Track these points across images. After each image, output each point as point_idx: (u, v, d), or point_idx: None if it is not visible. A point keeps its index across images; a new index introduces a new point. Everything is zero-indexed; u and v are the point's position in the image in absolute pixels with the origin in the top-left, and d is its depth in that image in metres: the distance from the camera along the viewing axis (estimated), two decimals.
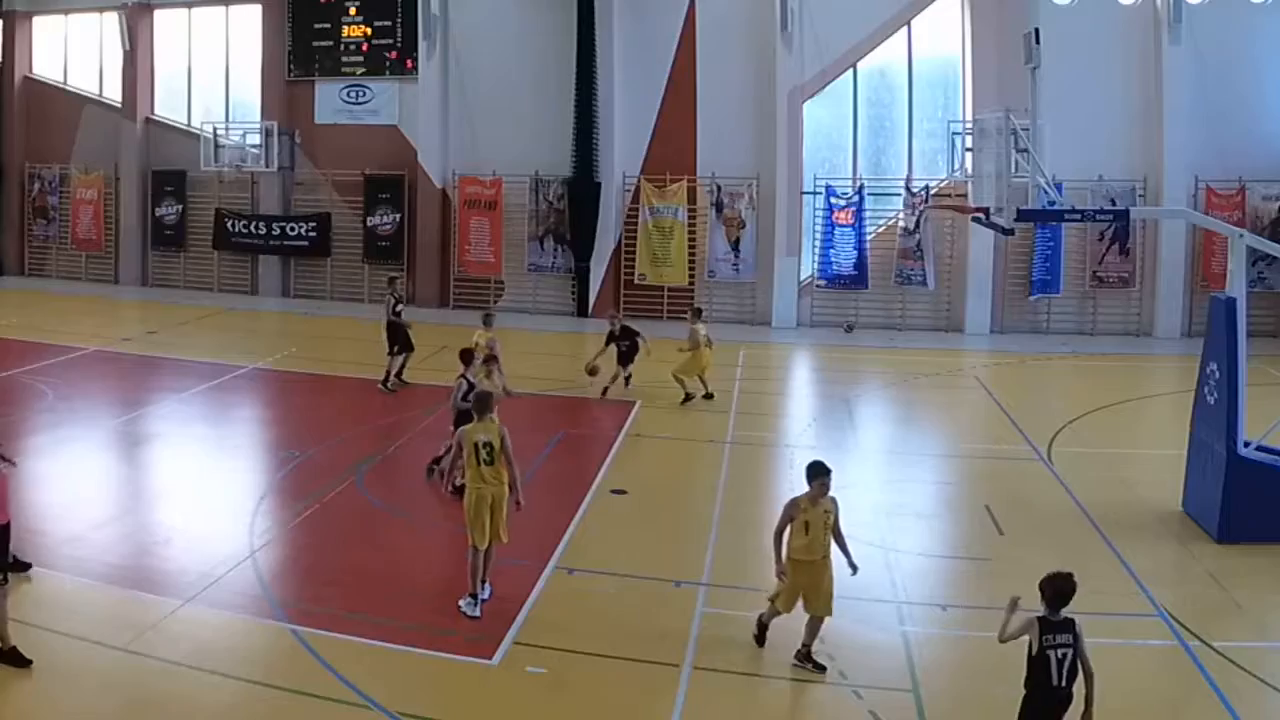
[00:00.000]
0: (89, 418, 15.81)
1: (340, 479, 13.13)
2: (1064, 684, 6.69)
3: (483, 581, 9.59)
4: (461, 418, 11.35)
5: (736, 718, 8.06)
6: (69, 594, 8.04)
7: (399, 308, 18.68)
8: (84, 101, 31.09)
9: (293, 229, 28.82)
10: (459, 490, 10.63)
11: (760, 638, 8.97)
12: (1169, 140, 23.62)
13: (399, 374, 18.27)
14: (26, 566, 9.52)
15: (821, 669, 8.56)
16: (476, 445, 9.44)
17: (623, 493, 12.83)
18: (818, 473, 8.66)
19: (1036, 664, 6.75)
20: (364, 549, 11.07)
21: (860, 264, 25.18)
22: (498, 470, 9.48)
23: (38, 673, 8.04)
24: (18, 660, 7.99)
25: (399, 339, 18.37)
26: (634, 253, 26.17)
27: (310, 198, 29.07)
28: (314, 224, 28.67)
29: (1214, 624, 9.42)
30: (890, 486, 13.83)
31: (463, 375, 12.58)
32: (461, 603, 9.44)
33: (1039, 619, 6.79)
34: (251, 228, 29.06)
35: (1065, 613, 6.77)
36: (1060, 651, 6.69)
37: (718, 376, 18.07)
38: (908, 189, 24.96)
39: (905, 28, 25.17)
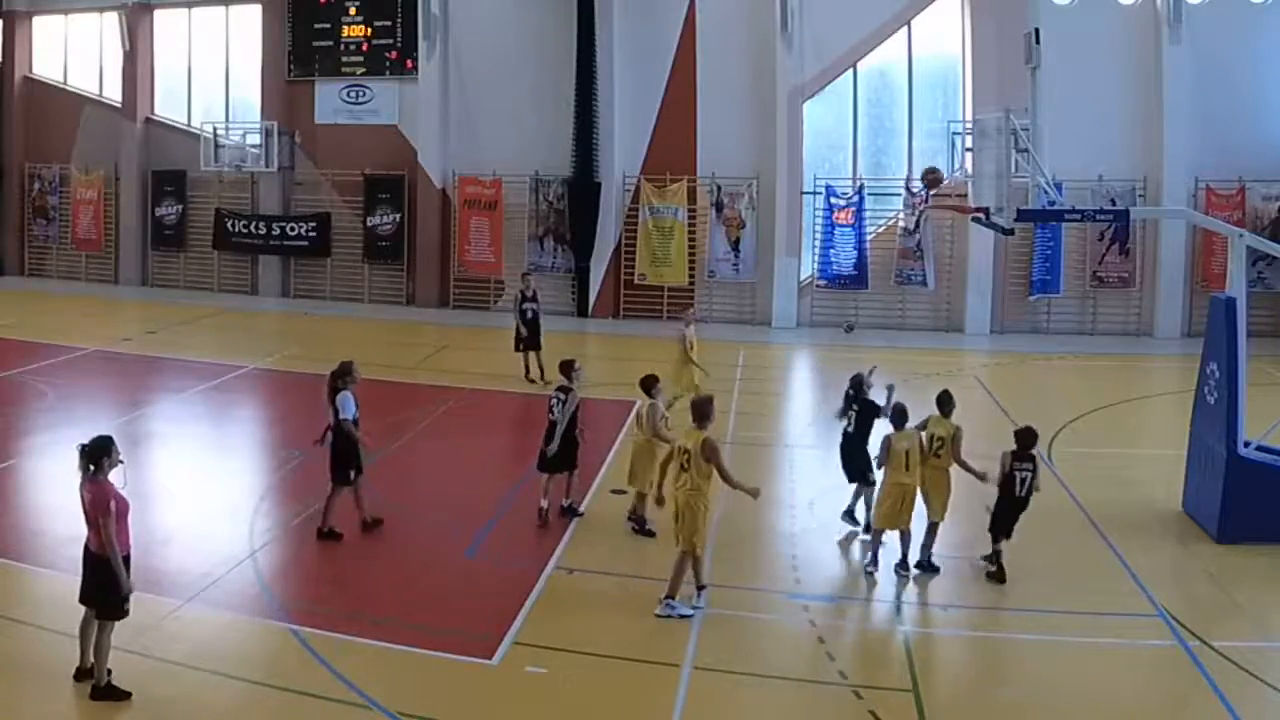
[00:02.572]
0: (89, 418, 15.79)
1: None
2: (1024, 495, 10.30)
3: (699, 588, 9.65)
4: None
5: (736, 718, 8.06)
6: (69, 594, 8.03)
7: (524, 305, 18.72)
8: (84, 101, 31.09)
9: (293, 229, 28.82)
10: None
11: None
12: (1169, 140, 23.62)
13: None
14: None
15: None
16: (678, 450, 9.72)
17: (622, 492, 12.80)
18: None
19: (1008, 480, 10.27)
20: (364, 549, 11.06)
21: (860, 264, 25.18)
22: (691, 477, 9.51)
23: (37, 673, 8.03)
24: (115, 694, 7.74)
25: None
26: (634, 253, 26.17)
27: (310, 198, 29.07)
28: (314, 224, 28.67)
29: (1214, 624, 9.42)
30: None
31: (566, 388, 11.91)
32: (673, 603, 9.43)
33: (1010, 453, 10.33)
34: (251, 228, 29.06)
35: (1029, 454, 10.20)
36: (1022, 474, 10.23)
37: (718, 376, 18.04)
38: (908, 189, 24.97)
39: (905, 28, 25.16)
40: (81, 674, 7.85)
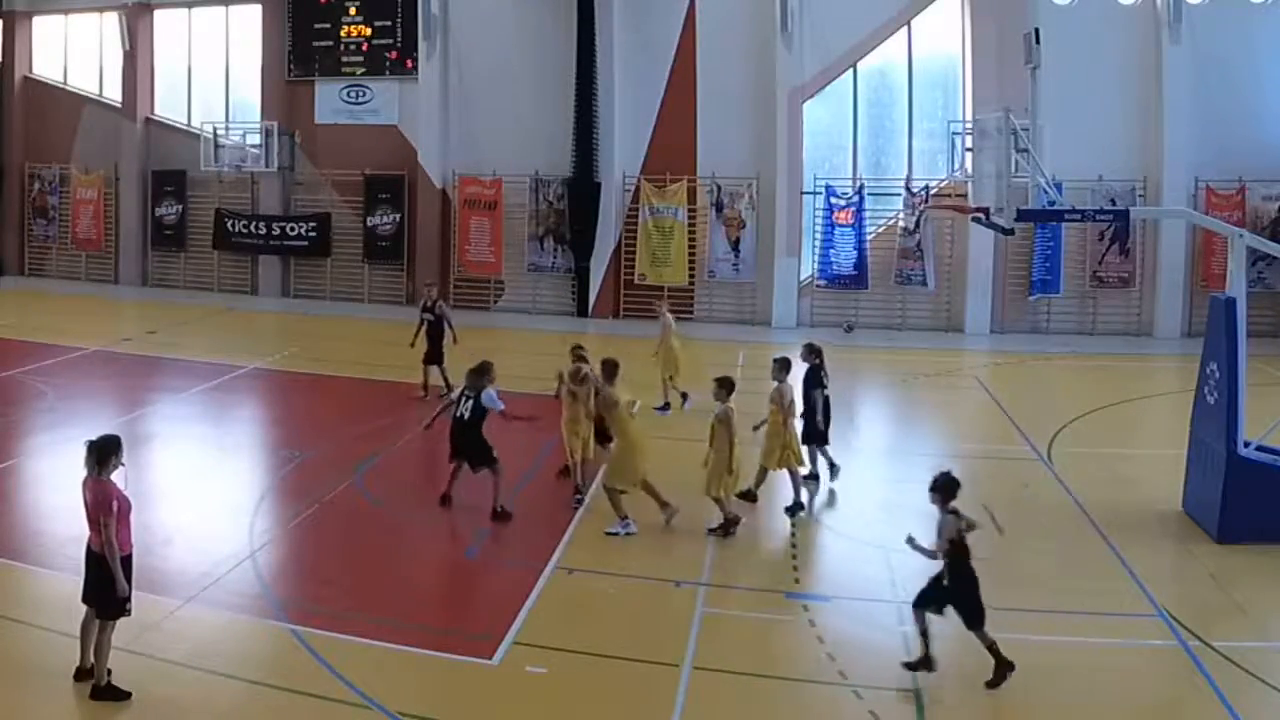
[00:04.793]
0: (89, 418, 15.77)
1: (340, 479, 13.12)
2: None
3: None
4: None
5: (736, 718, 8.06)
6: (69, 594, 8.03)
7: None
8: (84, 101, 31.09)
9: (293, 229, 28.82)
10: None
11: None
12: (1169, 140, 23.62)
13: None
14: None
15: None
16: None
17: (623, 492, 12.80)
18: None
19: (961, 546, 8.39)
20: (364, 549, 11.07)
21: (860, 264, 25.17)
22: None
23: (38, 673, 8.03)
24: (115, 694, 7.74)
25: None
26: (634, 253, 26.17)
27: (310, 198, 29.07)
28: (314, 224, 28.67)
29: (1214, 624, 9.41)
30: (890, 486, 13.83)
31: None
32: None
33: (954, 511, 8.53)
34: (251, 228, 29.06)
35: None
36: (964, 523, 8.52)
37: (718, 376, 18.01)
38: (908, 189, 24.96)
39: (905, 28, 25.17)
40: (81, 674, 7.84)
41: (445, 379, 17.24)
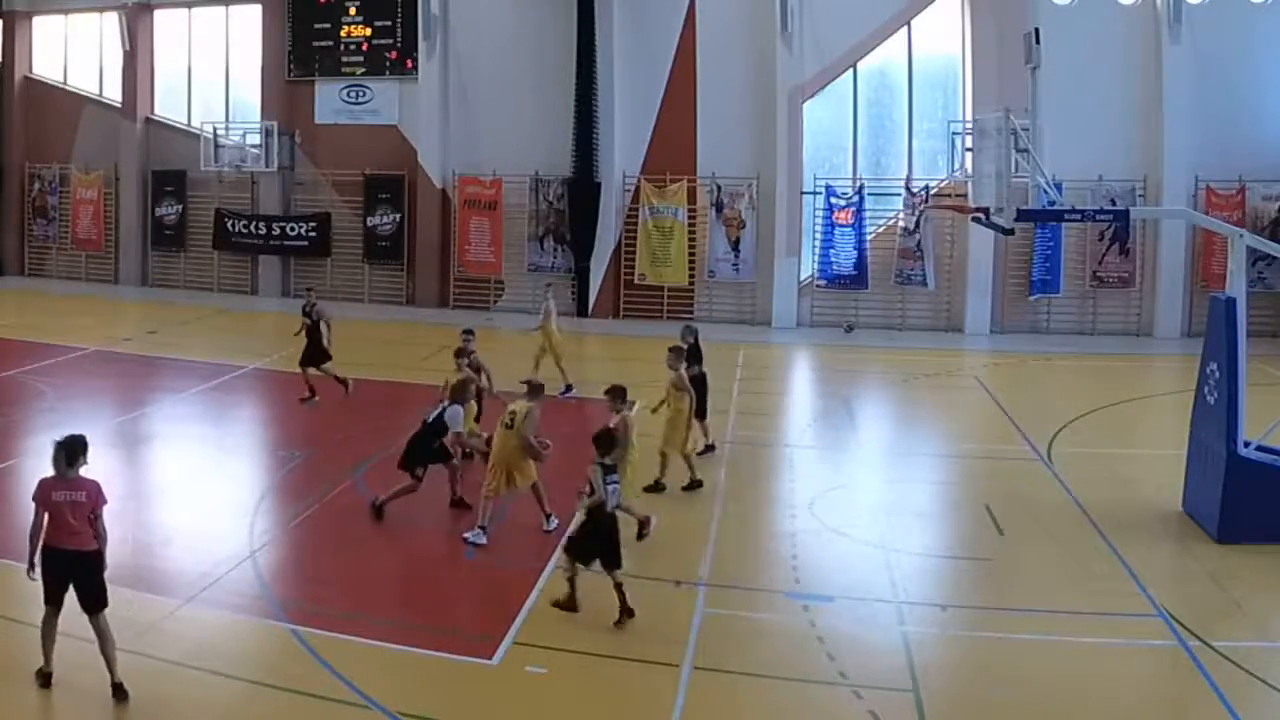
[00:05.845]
0: (89, 418, 15.77)
1: (340, 479, 13.12)
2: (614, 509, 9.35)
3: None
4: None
5: (736, 718, 8.06)
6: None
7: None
8: (84, 101, 31.09)
9: (293, 229, 28.82)
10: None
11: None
12: (1169, 140, 23.61)
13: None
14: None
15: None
16: None
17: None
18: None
19: (598, 499, 9.18)
20: (364, 549, 11.06)
21: (860, 264, 25.17)
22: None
23: (34, 672, 8.03)
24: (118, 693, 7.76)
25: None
26: (634, 253, 26.17)
27: (310, 198, 29.07)
28: (314, 224, 28.67)
29: (1214, 624, 9.41)
30: (890, 486, 13.85)
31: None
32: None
33: (600, 464, 9.28)
34: (251, 228, 29.06)
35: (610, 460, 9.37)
36: (611, 486, 9.26)
37: (718, 376, 18.00)
38: (908, 189, 24.96)
39: (905, 28, 25.17)
40: (45, 677, 7.84)
41: (336, 377, 17.22)
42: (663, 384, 13.42)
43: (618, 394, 11.66)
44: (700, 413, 13.72)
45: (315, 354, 17.19)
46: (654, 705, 8.06)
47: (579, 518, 9.76)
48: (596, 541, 9.19)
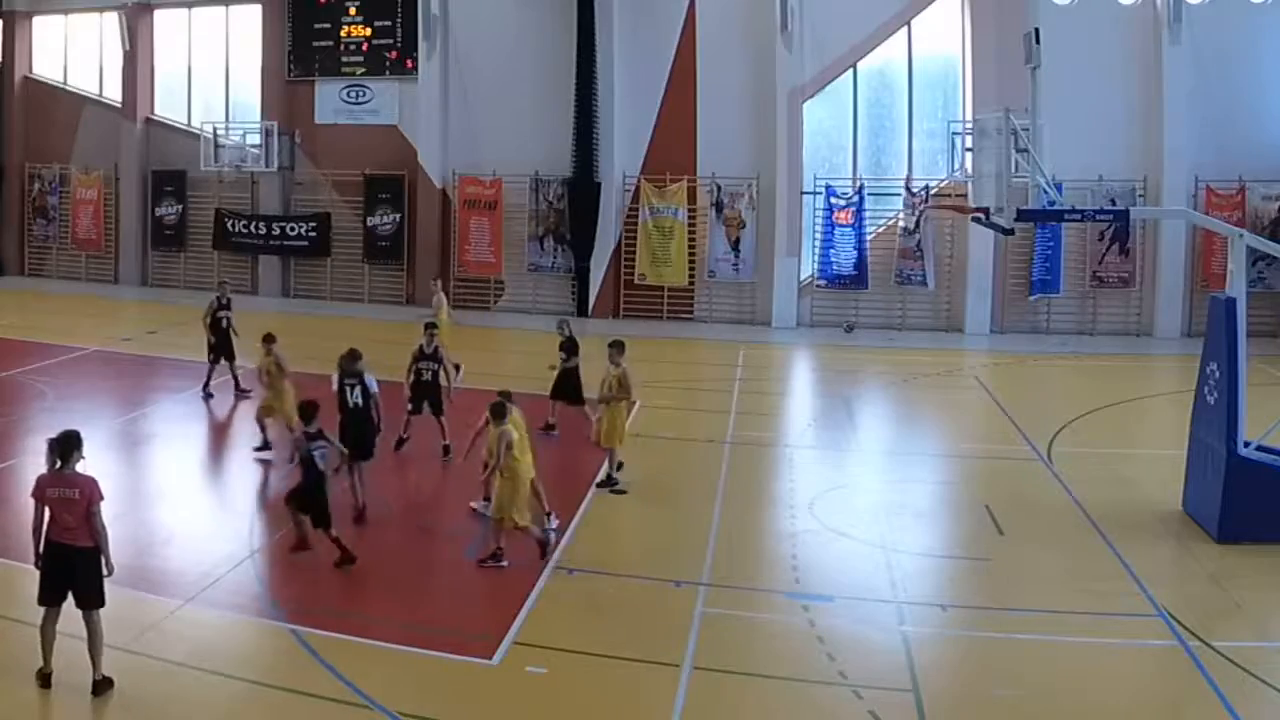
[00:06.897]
0: (89, 418, 15.76)
1: (339, 478, 13.07)
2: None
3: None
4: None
5: (736, 717, 8.06)
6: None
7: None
8: (84, 101, 31.11)
9: (293, 229, 28.82)
10: None
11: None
12: (1169, 140, 23.62)
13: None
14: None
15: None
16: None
17: (622, 492, 12.83)
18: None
19: (309, 462, 10.29)
20: (363, 549, 11.05)
21: (860, 264, 25.17)
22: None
23: (34, 672, 8.02)
24: (110, 683, 7.81)
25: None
26: (634, 253, 26.17)
27: (310, 198, 29.08)
28: (314, 224, 28.67)
29: (1214, 624, 9.42)
30: (890, 486, 13.85)
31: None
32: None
33: (305, 432, 10.39)
34: (251, 228, 29.07)
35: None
36: (319, 451, 10.32)
37: (718, 376, 18.06)
38: (908, 189, 24.96)
39: (905, 28, 25.17)
40: (45, 677, 7.83)
41: (235, 378, 17.41)
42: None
43: (618, 346, 13.09)
44: (568, 397, 14.93)
45: (226, 348, 17.52)
46: (654, 705, 8.06)
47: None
48: (307, 496, 10.31)
